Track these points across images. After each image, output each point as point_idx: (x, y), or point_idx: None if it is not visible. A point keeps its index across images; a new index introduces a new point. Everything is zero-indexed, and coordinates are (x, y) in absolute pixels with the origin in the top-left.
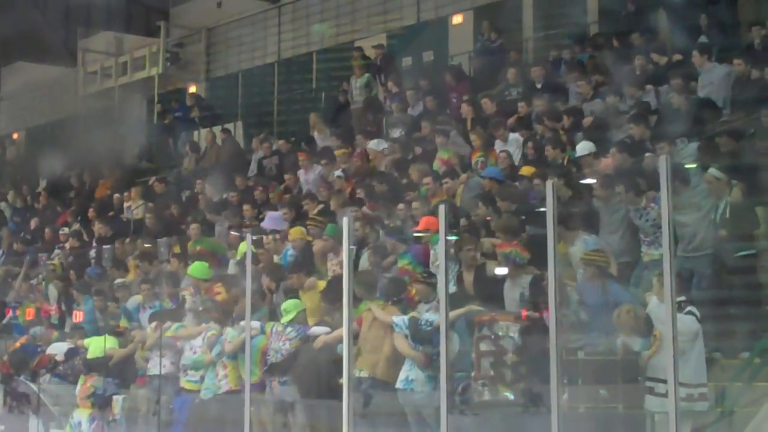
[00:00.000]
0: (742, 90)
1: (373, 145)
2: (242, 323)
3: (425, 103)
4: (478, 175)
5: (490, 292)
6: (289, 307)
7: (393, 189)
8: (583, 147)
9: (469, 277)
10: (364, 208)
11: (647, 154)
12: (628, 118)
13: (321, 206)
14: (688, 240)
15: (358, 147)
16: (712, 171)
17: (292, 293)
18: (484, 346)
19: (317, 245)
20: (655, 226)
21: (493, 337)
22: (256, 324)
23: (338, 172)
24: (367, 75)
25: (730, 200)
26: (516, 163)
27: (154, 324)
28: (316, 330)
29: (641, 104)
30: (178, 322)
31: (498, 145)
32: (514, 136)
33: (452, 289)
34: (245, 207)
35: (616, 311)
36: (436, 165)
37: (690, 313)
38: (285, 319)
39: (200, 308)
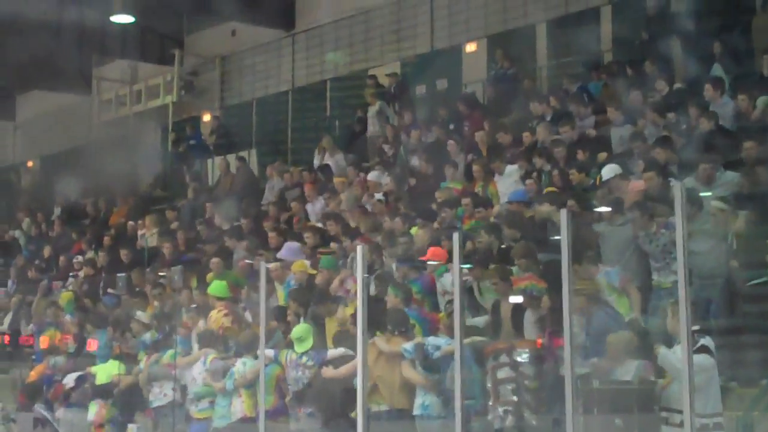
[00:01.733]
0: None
1: (373, 177)
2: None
3: (438, 131)
4: (507, 201)
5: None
6: (302, 334)
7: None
8: (610, 170)
9: (506, 307)
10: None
11: (673, 181)
12: (654, 141)
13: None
14: (699, 268)
15: (359, 177)
16: (715, 203)
17: (318, 319)
18: (502, 374)
19: (320, 278)
20: (665, 252)
21: (512, 363)
22: (270, 352)
23: (379, 196)
24: (379, 103)
25: (736, 230)
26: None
27: (145, 357)
28: (332, 353)
29: (665, 128)
30: (171, 349)
31: (496, 177)
32: (512, 168)
33: (482, 320)
34: (270, 235)
35: (608, 338)
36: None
37: (703, 348)
38: (300, 348)
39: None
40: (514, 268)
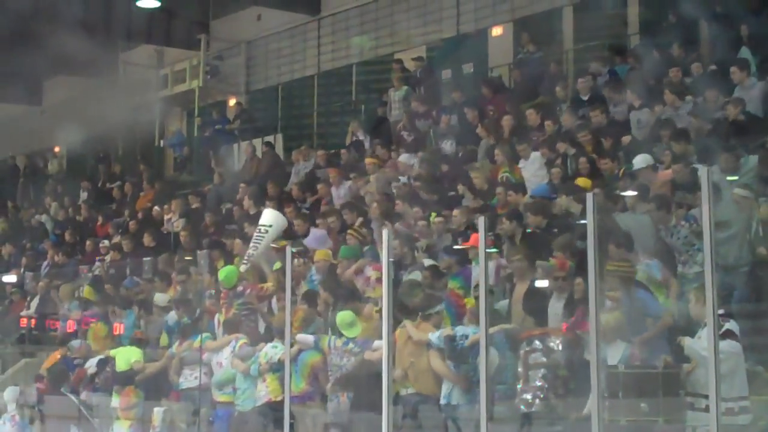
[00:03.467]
0: None
1: (404, 159)
2: (301, 336)
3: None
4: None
5: (537, 307)
6: (351, 319)
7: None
8: (642, 160)
9: (520, 290)
10: (398, 225)
11: (698, 167)
12: (672, 134)
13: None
14: (723, 257)
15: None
16: (738, 190)
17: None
18: (533, 359)
19: (341, 268)
20: (688, 244)
21: (545, 349)
22: (309, 338)
23: (404, 179)
24: (405, 87)
25: (761, 218)
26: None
27: (177, 343)
28: (377, 344)
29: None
30: (205, 333)
31: (521, 163)
32: (536, 155)
33: (503, 305)
34: (296, 222)
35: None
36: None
37: (729, 332)
38: (350, 334)
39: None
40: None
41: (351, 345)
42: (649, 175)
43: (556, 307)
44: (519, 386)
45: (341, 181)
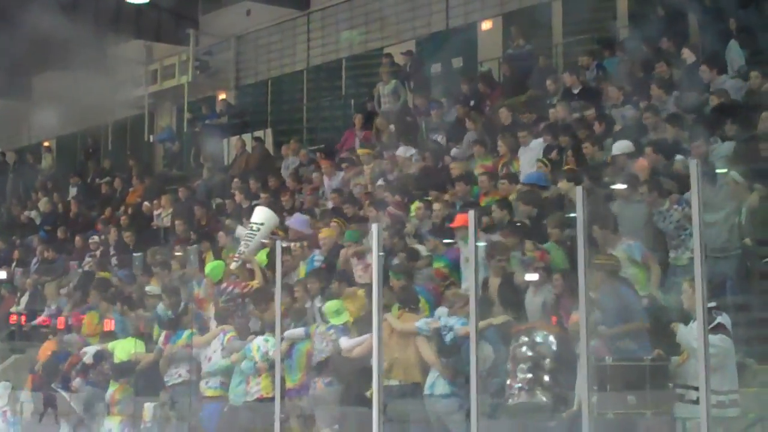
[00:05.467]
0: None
1: (401, 151)
2: (289, 332)
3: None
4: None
5: (513, 300)
6: (338, 307)
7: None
8: (620, 146)
9: (495, 283)
10: (390, 208)
11: (678, 157)
12: (665, 118)
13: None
14: (713, 240)
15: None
16: (733, 174)
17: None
18: (521, 353)
19: (344, 252)
20: (680, 228)
21: (530, 343)
22: (300, 330)
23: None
24: (394, 81)
25: (749, 205)
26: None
27: (162, 336)
28: (360, 339)
29: (678, 106)
30: (191, 329)
31: (521, 151)
32: (537, 142)
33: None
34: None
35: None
36: (478, 171)
37: (720, 326)
38: (336, 321)
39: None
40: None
41: (331, 331)
42: (626, 162)
43: (535, 301)
44: (508, 381)
45: (334, 172)
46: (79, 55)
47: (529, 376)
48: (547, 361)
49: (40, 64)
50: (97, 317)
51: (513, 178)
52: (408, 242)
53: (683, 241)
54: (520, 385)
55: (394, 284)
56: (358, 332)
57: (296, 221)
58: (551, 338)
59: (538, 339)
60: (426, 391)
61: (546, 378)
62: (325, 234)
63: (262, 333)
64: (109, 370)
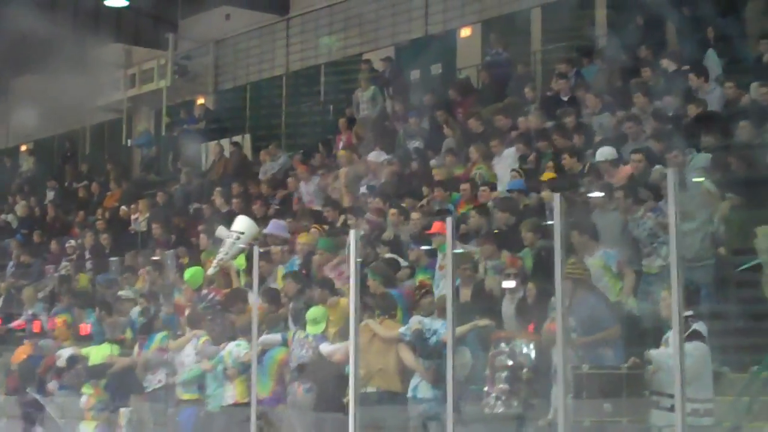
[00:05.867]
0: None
1: (373, 156)
2: (264, 337)
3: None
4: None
5: (488, 307)
6: (317, 316)
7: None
8: (603, 153)
9: (466, 292)
10: (368, 215)
11: (657, 166)
12: (651, 130)
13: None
14: (687, 249)
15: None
16: (707, 184)
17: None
18: (500, 361)
19: (316, 258)
20: (652, 236)
21: (510, 352)
22: (277, 336)
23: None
24: (373, 87)
25: (722, 214)
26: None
27: (138, 339)
28: (337, 346)
29: (657, 116)
30: (164, 332)
31: (495, 160)
32: (510, 151)
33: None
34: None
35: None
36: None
37: (695, 334)
38: (313, 330)
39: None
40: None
41: (310, 338)
42: (609, 169)
43: (511, 308)
44: (485, 388)
45: (310, 177)
46: (58, 58)
47: (506, 386)
48: (525, 370)
49: (18, 66)
50: (70, 319)
51: (494, 186)
52: (380, 252)
53: (655, 249)
54: (496, 395)
55: (373, 287)
56: (341, 339)
57: (274, 227)
58: (531, 347)
59: (518, 347)
60: (409, 394)
61: (523, 388)
62: (303, 239)
63: (234, 339)
64: (82, 371)
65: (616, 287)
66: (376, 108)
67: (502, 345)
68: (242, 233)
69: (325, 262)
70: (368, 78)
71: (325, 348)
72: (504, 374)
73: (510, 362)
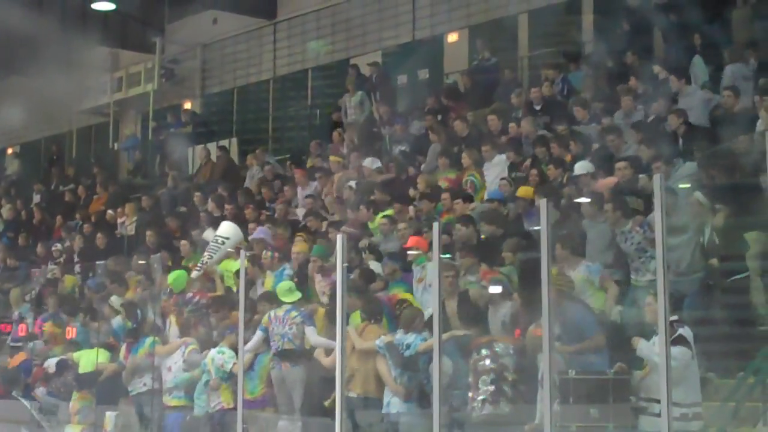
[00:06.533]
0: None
1: (368, 162)
2: (249, 344)
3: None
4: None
5: (474, 318)
6: (289, 286)
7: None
8: (581, 167)
9: (451, 304)
10: (344, 228)
11: (641, 175)
12: (639, 138)
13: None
14: (676, 263)
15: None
16: (697, 195)
17: None
18: (483, 366)
19: (311, 266)
20: (640, 251)
21: (492, 355)
22: (258, 335)
23: (352, 183)
24: (360, 92)
25: (714, 225)
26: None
27: (123, 347)
28: (318, 340)
29: (641, 124)
30: (154, 337)
31: (486, 166)
32: (500, 158)
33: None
34: (251, 226)
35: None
36: (443, 184)
37: (681, 339)
38: (287, 299)
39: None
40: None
41: (294, 313)
42: (588, 182)
43: (497, 318)
44: (470, 394)
45: (307, 182)
46: (44, 61)
47: (492, 387)
48: (509, 372)
49: (4, 68)
50: (57, 323)
51: (468, 197)
52: (365, 258)
53: (643, 263)
54: (483, 397)
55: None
56: (325, 330)
57: (262, 232)
58: (512, 349)
59: (499, 350)
60: (384, 409)
61: (508, 389)
62: (298, 248)
63: (215, 345)
64: (72, 380)
65: (600, 299)
66: (363, 113)
67: (483, 351)
68: (227, 238)
69: (319, 269)
70: (355, 83)
71: (312, 337)
72: (488, 378)
73: (493, 365)
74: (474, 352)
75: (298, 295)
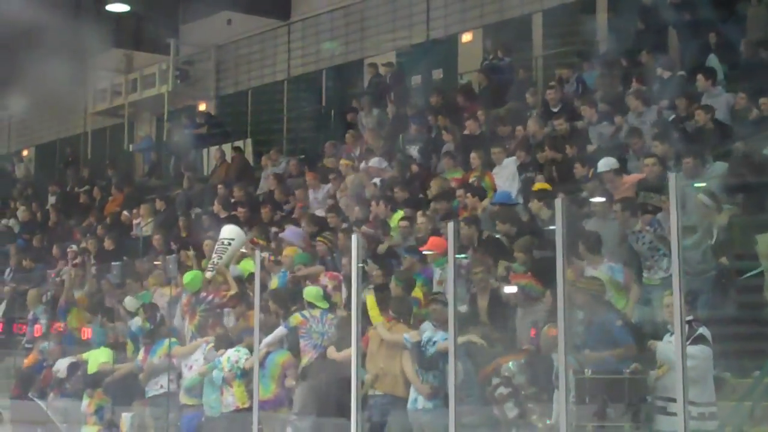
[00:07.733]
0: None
1: (374, 163)
2: (266, 339)
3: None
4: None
5: (503, 318)
6: (316, 293)
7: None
8: (605, 163)
9: (483, 301)
10: (364, 228)
11: (670, 173)
12: (653, 135)
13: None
14: (687, 264)
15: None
16: (701, 196)
17: None
18: (500, 394)
19: (291, 276)
20: (653, 249)
21: (505, 381)
22: (279, 331)
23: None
24: (374, 93)
25: (721, 225)
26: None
27: (142, 350)
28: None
29: (662, 122)
30: (172, 338)
31: (496, 169)
32: (510, 160)
33: (464, 309)
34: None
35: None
36: (452, 183)
37: (700, 338)
38: (323, 305)
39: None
40: (515, 264)
41: (330, 315)
42: (613, 179)
43: (525, 322)
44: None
45: (319, 185)
46: (59, 63)
47: (514, 413)
48: (525, 389)
49: (17, 69)
50: (73, 323)
51: (482, 194)
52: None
53: (656, 262)
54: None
55: (394, 291)
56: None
57: (290, 234)
58: (524, 360)
59: (511, 369)
60: (410, 405)
61: (525, 402)
62: (287, 253)
63: (231, 345)
64: (81, 380)
65: (622, 301)
66: (377, 113)
67: (494, 380)
68: (232, 239)
69: (307, 274)
70: (370, 83)
71: (332, 353)
72: (510, 402)
73: (509, 389)
74: (485, 384)
75: (326, 305)
